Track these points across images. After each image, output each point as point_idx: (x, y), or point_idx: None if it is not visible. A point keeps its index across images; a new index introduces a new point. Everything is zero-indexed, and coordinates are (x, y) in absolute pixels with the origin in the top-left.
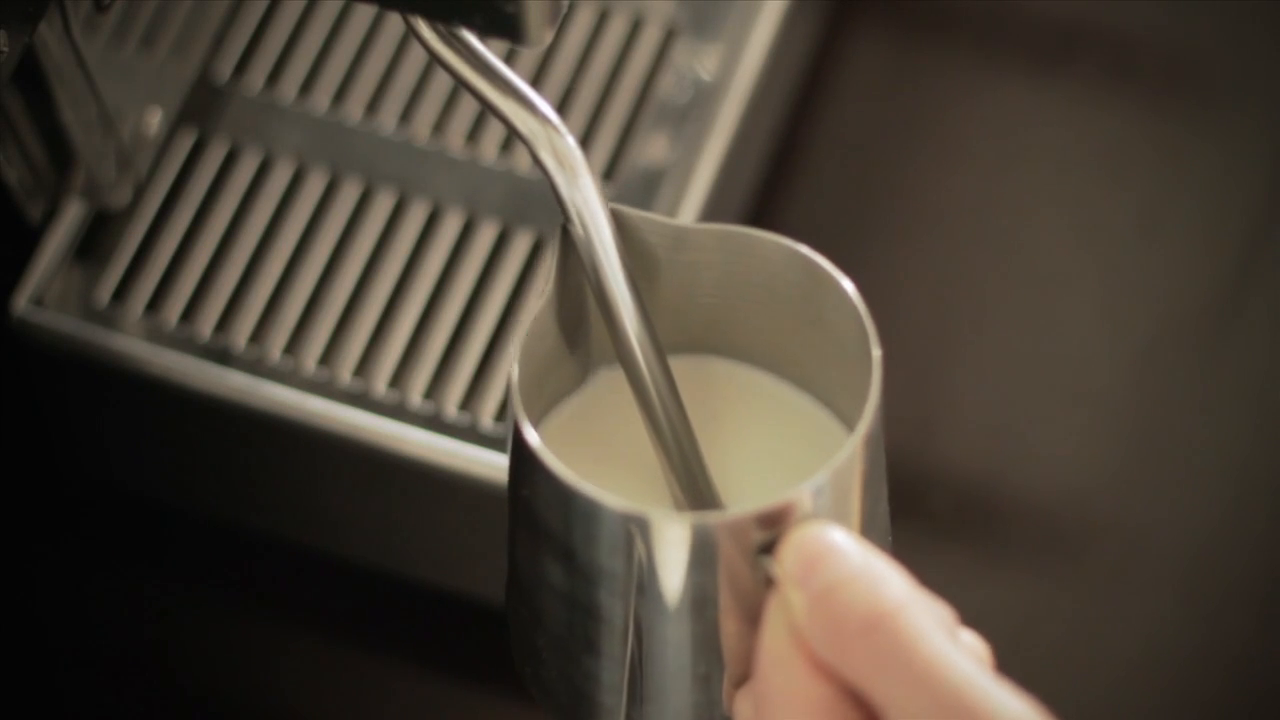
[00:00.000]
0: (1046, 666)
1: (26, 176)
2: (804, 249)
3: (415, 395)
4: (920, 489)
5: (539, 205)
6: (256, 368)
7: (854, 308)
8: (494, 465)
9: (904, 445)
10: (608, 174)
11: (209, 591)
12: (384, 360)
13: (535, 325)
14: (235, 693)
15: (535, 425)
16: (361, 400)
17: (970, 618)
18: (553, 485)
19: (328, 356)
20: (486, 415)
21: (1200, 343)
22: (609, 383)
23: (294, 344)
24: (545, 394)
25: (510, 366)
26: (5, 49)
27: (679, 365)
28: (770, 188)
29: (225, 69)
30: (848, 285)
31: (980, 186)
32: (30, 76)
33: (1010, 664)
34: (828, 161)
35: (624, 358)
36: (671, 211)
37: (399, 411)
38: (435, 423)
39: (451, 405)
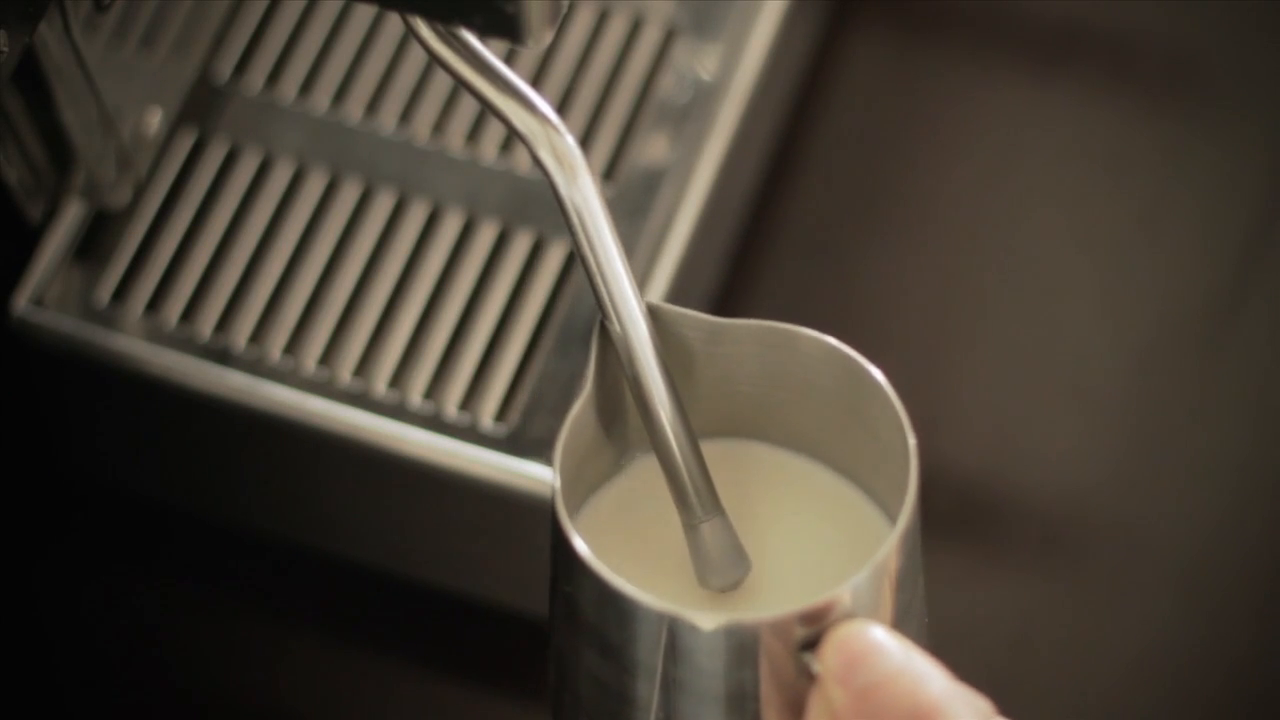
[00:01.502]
0: (1046, 666)
1: (26, 176)
2: (839, 344)
3: (415, 395)
4: (921, 489)
5: (539, 205)
6: (256, 368)
7: (889, 399)
8: (493, 465)
9: None
10: (608, 174)
11: (209, 591)
12: (384, 360)
13: (575, 424)
14: (235, 693)
15: (574, 512)
16: (361, 400)
17: (970, 618)
18: (593, 583)
19: (328, 356)
20: (486, 415)
21: (1200, 343)
22: (647, 469)
23: (294, 344)
24: (585, 480)
25: (553, 474)
26: (5, 49)
27: (717, 449)
28: (770, 188)
29: (225, 69)
30: (881, 378)
31: (980, 186)
32: (30, 76)
33: (1010, 664)
34: (828, 161)
35: (659, 450)
36: (671, 211)
37: (399, 411)
38: (435, 423)
39: (451, 405)
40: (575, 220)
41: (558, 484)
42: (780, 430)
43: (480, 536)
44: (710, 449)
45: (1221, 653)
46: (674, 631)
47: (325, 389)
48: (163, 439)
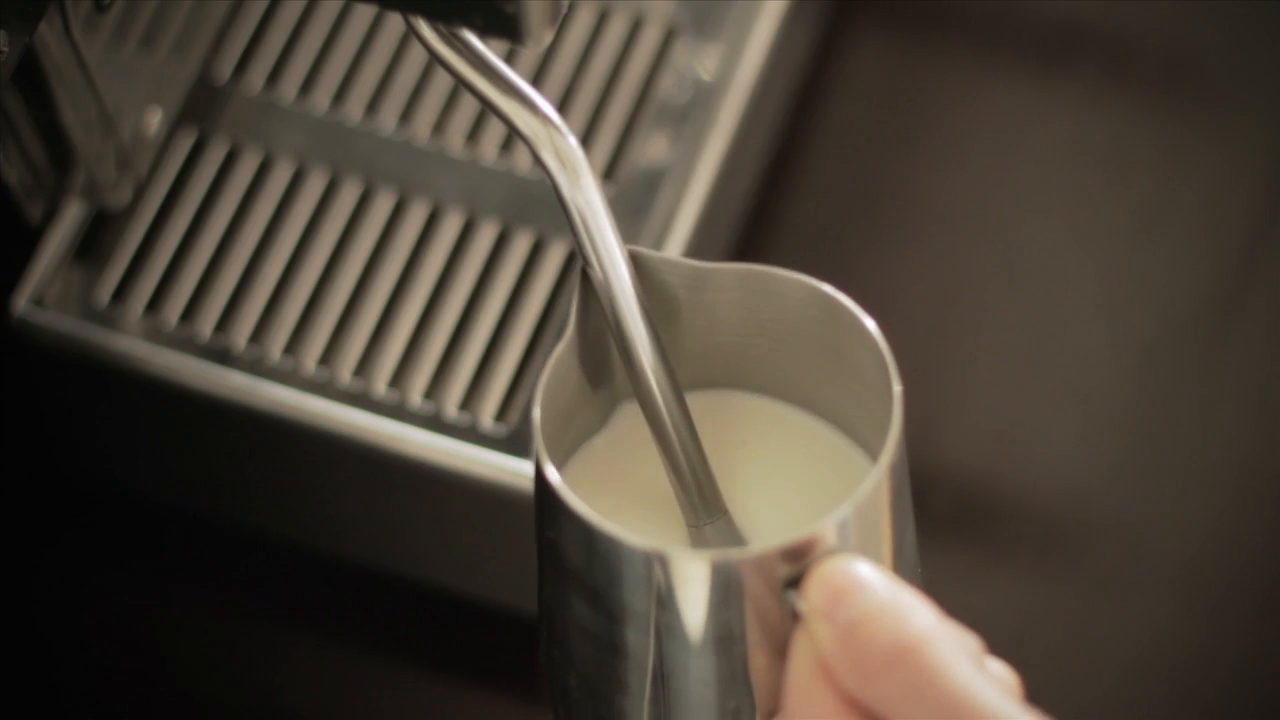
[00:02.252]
0: (1046, 666)
1: (26, 176)
2: (824, 286)
3: (415, 395)
4: (920, 489)
5: (539, 205)
6: (256, 368)
7: (874, 343)
8: (493, 465)
9: None
10: (608, 174)
11: (209, 591)
12: (384, 360)
13: (556, 367)
14: (235, 693)
15: (560, 466)
16: (361, 400)
17: (970, 618)
18: (576, 525)
19: (328, 356)
20: (486, 415)
21: (1200, 343)
22: (633, 420)
23: (294, 344)
24: (570, 434)
25: (533, 409)
26: (5, 49)
27: (701, 400)
28: (770, 188)
29: (225, 69)
30: (868, 322)
31: (980, 187)
32: (30, 76)
33: (1010, 664)
34: (828, 161)
35: (643, 398)
36: (671, 211)
37: (399, 411)
38: (435, 423)
39: (451, 405)
40: (578, 221)
41: (537, 417)
42: (766, 379)
43: (480, 536)
44: (696, 400)
45: (1221, 653)
46: (657, 570)
47: (325, 389)
48: (163, 439)
